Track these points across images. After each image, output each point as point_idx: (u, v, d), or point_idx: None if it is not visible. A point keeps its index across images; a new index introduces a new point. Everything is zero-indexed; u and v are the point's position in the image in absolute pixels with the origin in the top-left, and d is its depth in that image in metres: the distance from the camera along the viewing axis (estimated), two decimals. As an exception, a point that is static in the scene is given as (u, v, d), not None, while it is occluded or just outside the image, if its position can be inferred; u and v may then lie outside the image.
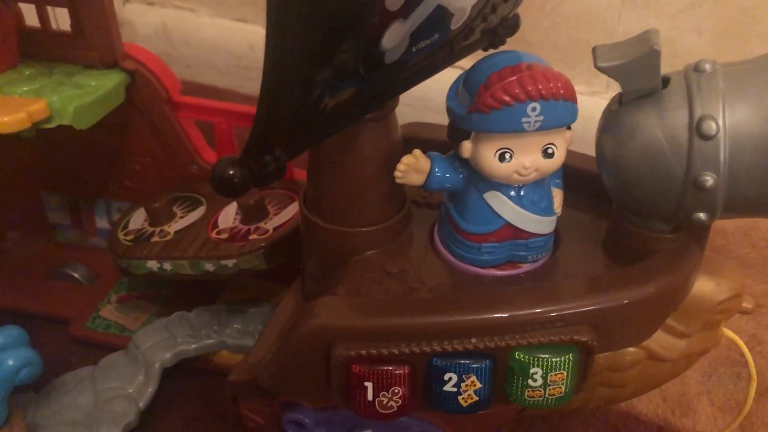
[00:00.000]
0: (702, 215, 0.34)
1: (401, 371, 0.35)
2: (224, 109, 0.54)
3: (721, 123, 0.32)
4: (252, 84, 0.96)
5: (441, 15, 0.33)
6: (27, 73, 0.52)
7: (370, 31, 0.30)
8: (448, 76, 0.39)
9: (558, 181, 0.39)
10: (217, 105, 0.55)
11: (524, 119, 0.33)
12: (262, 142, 0.30)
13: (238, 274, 0.48)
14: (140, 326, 0.57)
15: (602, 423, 0.52)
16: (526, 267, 0.39)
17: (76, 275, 0.61)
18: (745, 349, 0.42)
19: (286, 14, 0.26)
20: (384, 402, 0.35)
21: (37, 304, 0.59)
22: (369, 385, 0.35)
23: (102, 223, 0.63)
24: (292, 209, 0.51)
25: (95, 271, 0.62)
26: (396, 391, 0.35)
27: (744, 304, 0.40)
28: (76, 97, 0.49)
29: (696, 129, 0.32)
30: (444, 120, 0.38)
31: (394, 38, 0.31)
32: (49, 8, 0.53)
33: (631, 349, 0.39)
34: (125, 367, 0.52)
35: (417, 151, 0.37)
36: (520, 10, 0.43)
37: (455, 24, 0.35)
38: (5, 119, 0.45)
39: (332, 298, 0.37)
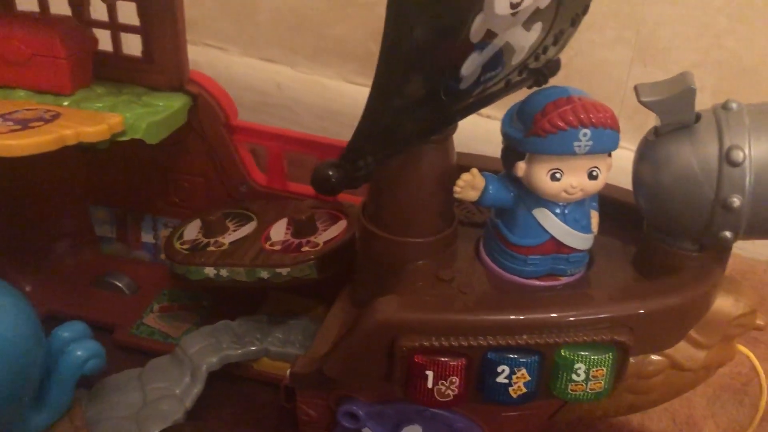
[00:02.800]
0: (728, 233, 0.39)
1: (458, 362, 0.39)
2: (277, 134, 0.59)
3: (747, 152, 0.37)
4: (276, 120, 1.01)
5: (506, 51, 0.39)
6: (99, 91, 0.57)
7: (456, 59, 0.35)
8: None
9: (595, 204, 0.44)
10: (271, 130, 0.59)
11: (576, 143, 0.38)
12: (358, 149, 0.34)
13: (290, 282, 0.52)
14: (183, 333, 0.60)
15: (616, 439, 0.56)
16: (564, 280, 0.44)
17: (120, 284, 0.65)
18: (756, 363, 0.47)
19: (397, 47, 0.31)
20: (442, 390, 0.39)
21: (83, 310, 0.62)
22: (430, 374, 0.39)
23: (147, 237, 0.66)
24: (339, 226, 0.55)
25: (138, 282, 0.65)
26: (453, 380, 0.39)
27: (758, 321, 0.44)
28: (147, 115, 0.54)
29: (725, 157, 0.37)
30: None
31: (470, 66, 0.36)
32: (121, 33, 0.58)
33: (657, 357, 0.44)
34: (172, 369, 0.55)
35: (474, 170, 0.42)
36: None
37: (515, 60, 0.41)
38: (90, 130, 0.49)
39: (395, 297, 0.41)
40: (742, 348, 0.46)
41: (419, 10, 0.30)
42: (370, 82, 0.32)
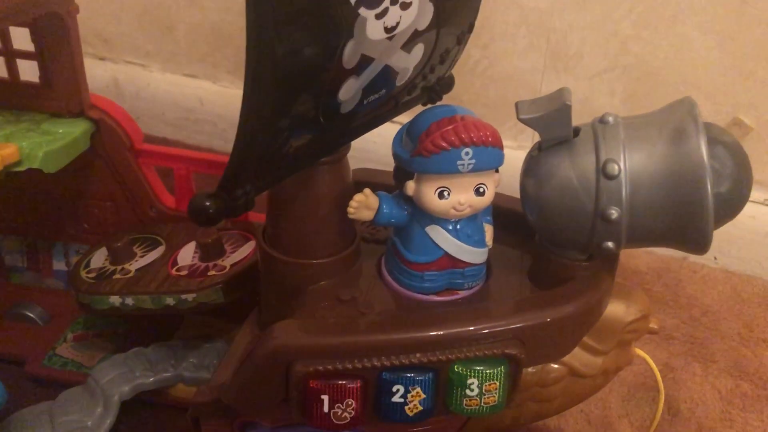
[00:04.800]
0: (610, 244, 0.40)
1: (354, 385, 0.39)
2: (184, 156, 0.59)
3: (622, 165, 0.38)
4: (201, 136, 1.00)
5: (388, 73, 0.39)
6: (-5, 120, 0.55)
7: (330, 85, 0.35)
8: (386, 130, 0.44)
9: (489, 217, 0.44)
10: (177, 152, 0.59)
11: (459, 162, 0.39)
12: (234, 178, 0.34)
13: (197, 308, 0.51)
14: (98, 362, 0.59)
15: (533, 444, 0.57)
16: (462, 293, 0.44)
17: (31, 315, 0.63)
18: (653, 365, 0.48)
19: (260, 73, 0.31)
20: (339, 413, 0.39)
21: (-7, 343, 0.61)
22: (325, 398, 0.39)
23: (59, 265, 0.65)
24: (247, 248, 0.55)
25: (51, 311, 0.64)
26: (349, 403, 0.39)
27: (651, 325, 0.46)
28: (45, 143, 0.52)
29: (602, 170, 0.38)
30: (384, 168, 0.43)
31: (348, 91, 0.36)
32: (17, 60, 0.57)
33: (555, 366, 0.44)
34: (83, 400, 0.54)
35: (367, 190, 0.42)
36: (454, 71, 0.49)
37: (399, 81, 0.41)
38: (-21, 162, 0.48)
39: (291, 321, 0.41)
40: (639, 351, 0.47)
41: (280, 37, 0.30)
42: None
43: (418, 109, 0.45)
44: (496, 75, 0.83)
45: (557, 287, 0.43)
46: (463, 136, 0.38)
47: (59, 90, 0.56)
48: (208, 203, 0.34)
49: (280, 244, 0.45)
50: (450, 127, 0.39)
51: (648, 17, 0.74)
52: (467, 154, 0.39)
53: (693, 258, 0.81)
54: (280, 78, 0.32)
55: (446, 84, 0.47)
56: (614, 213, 0.38)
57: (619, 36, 0.76)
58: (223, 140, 0.98)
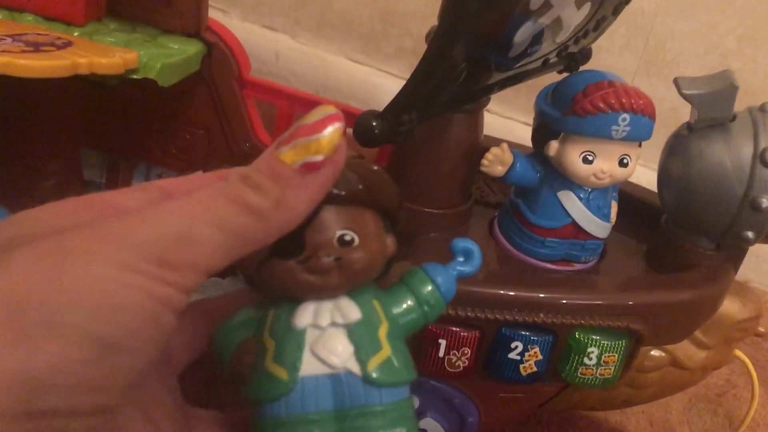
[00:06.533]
0: (750, 233, 0.39)
1: (472, 334, 0.38)
2: (290, 94, 0.58)
3: (782, 155, 0.37)
4: (270, 90, 0.99)
5: (555, 26, 0.38)
6: (111, 26, 0.54)
7: (512, 24, 0.34)
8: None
9: (615, 194, 0.44)
10: (284, 89, 0.58)
11: (614, 127, 0.38)
12: (404, 102, 0.34)
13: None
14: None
15: (595, 435, 0.57)
16: (577, 266, 0.44)
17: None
18: (752, 369, 0.47)
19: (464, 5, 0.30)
20: (453, 360, 0.39)
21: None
22: (442, 342, 0.38)
23: (138, 186, 0.64)
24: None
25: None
26: (465, 351, 0.38)
27: (759, 328, 0.45)
28: (161, 56, 0.51)
29: (760, 157, 0.37)
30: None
31: (523, 34, 0.36)
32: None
33: (658, 353, 0.44)
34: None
35: (504, 145, 0.41)
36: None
37: (559, 38, 0.40)
38: (104, 61, 0.47)
39: (408, 263, 0.40)
40: (740, 353, 0.47)
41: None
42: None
43: (553, 76, 0.45)
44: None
45: (678, 273, 0.42)
46: (623, 100, 0.38)
47: (178, 7, 0.55)
48: (374, 123, 0.33)
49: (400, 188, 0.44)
50: (611, 90, 0.38)
51: (754, 34, 0.73)
52: (624, 120, 0.38)
53: (755, 284, 0.80)
54: (481, 11, 0.31)
55: (587, 54, 0.46)
56: (765, 201, 0.37)
57: (721, 49, 0.75)
58: (294, 98, 0.97)
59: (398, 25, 0.90)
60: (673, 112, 0.78)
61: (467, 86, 0.38)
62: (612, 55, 0.80)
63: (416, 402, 0.44)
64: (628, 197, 0.48)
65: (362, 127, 0.33)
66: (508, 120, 0.87)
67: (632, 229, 0.47)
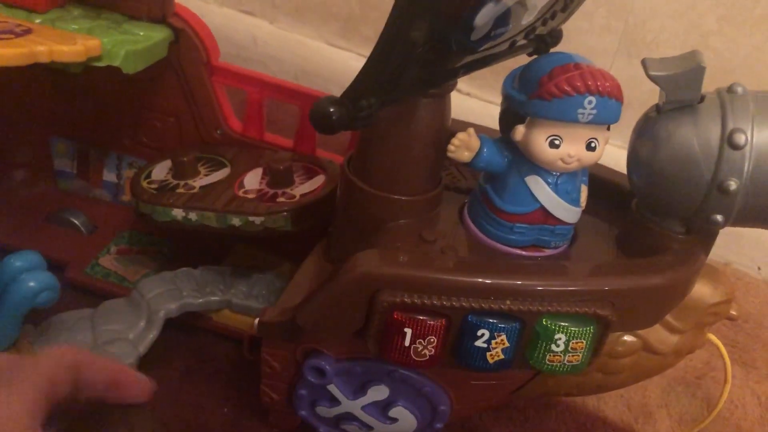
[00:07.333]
0: (719, 217, 0.38)
1: (438, 322, 0.38)
2: (259, 79, 0.57)
3: (749, 137, 0.37)
4: (249, 76, 0.98)
5: (519, 7, 0.37)
6: (74, 13, 0.53)
7: (471, 5, 0.33)
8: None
9: (585, 179, 0.43)
10: (254, 74, 0.57)
11: (580, 110, 0.37)
12: (362, 87, 0.33)
13: (261, 232, 0.50)
14: (140, 278, 0.57)
15: (572, 420, 0.56)
16: (547, 252, 0.43)
17: (76, 222, 0.61)
18: (724, 351, 0.47)
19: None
20: (419, 349, 0.38)
21: (34, 244, 0.58)
22: (408, 331, 0.37)
23: (110, 176, 0.63)
24: (317, 181, 0.54)
25: (95, 222, 0.62)
26: (431, 340, 0.38)
27: (731, 312, 0.44)
28: (126, 42, 0.51)
29: (728, 139, 0.37)
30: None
31: (484, 16, 0.35)
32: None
33: (630, 338, 0.43)
34: (126, 312, 0.52)
35: (471, 130, 0.41)
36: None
37: (525, 20, 0.39)
38: (65, 49, 0.46)
39: (378, 251, 0.39)
40: (712, 337, 0.46)
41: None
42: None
43: (522, 59, 0.44)
44: (567, 51, 0.81)
45: (649, 257, 0.41)
46: (589, 83, 0.37)
47: (144, -9, 0.54)
48: (332, 109, 0.33)
49: (367, 175, 0.43)
50: (576, 72, 0.37)
51: (734, 14, 0.73)
52: (590, 102, 0.37)
53: (736, 265, 0.80)
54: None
55: (557, 36, 0.46)
56: (733, 185, 0.37)
57: (701, 29, 0.74)
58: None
59: (378, 8, 0.89)
60: (652, 94, 0.78)
61: (430, 69, 0.37)
62: (592, 36, 0.79)
63: (386, 391, 0.44)
64: (600, 180, 0.47)
65: (319, 114, 0.33)
66: (488, 104, 0.86)
67: (604, 212, 0.47)
